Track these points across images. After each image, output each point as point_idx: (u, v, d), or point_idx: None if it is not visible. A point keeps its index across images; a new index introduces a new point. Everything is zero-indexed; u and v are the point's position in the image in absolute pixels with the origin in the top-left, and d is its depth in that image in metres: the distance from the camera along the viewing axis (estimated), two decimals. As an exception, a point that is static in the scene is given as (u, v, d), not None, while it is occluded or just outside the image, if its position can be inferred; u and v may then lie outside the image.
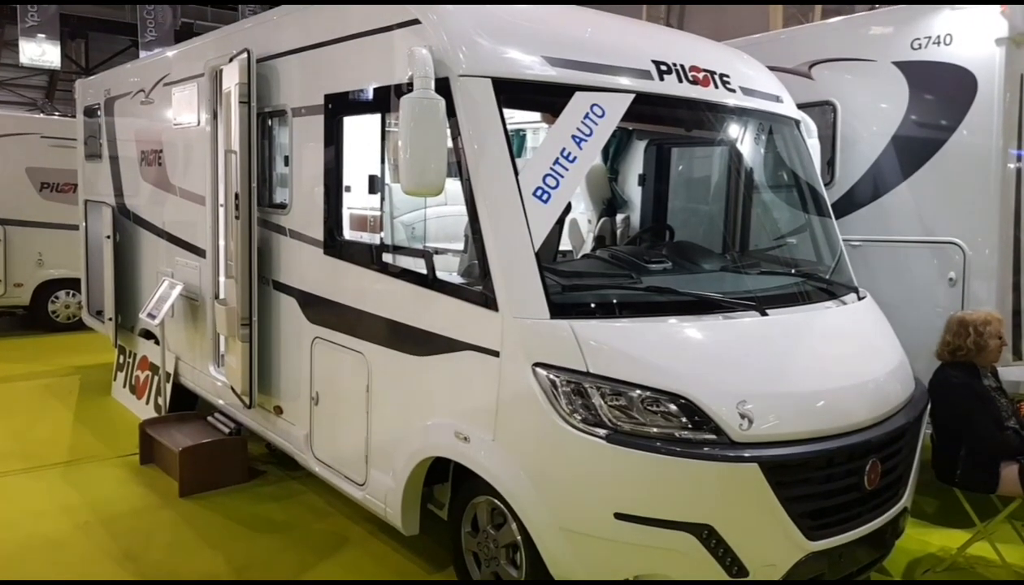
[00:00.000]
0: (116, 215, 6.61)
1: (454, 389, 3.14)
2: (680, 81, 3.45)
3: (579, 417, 2.70)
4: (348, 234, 3.78)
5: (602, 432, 2.66)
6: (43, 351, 8.51)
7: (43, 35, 19.32)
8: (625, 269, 3.44)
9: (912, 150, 4.54)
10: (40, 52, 19.45)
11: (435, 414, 3.24)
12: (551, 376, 2.74)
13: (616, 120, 3.17)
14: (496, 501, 3.10)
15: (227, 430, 4.96)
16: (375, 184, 3.52)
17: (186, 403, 5.78)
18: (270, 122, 4.50)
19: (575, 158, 3.01)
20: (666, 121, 3.86)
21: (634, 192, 5.39)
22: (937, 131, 4.40)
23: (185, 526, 4.23)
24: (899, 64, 4.58)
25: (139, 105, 6.22)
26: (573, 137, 3.03)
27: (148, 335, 6.20)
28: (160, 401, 5.73)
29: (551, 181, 2.95)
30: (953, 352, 3.73)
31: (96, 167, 7.19)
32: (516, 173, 2.94)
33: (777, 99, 4.04)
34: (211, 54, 4.95)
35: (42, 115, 10.92)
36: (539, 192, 2.93)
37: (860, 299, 3.72)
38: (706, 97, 3.54)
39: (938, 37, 4.36)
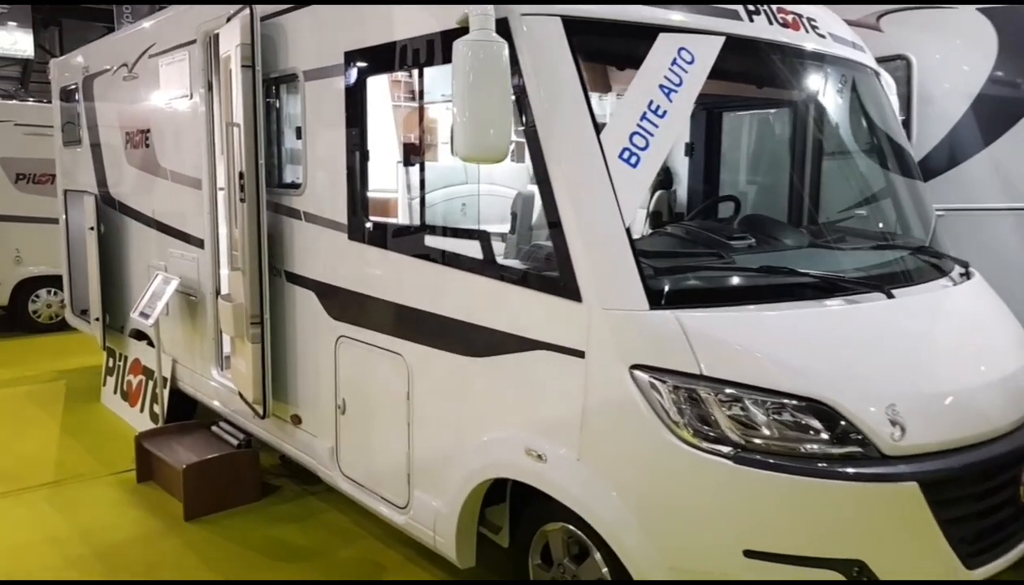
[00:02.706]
0: (99, 205, 5.98)
1: (523, 397, 2.61)
2: (770, 23, 2.91)
3: (693, 431, 2.18)
4: (379, 216, 3.23)
5: (725, 449, 2.14)
6: (24, 354, 7.87)
7: (14, 23, 18.50)
8: (710, 248, 2.92)
9: (1002, 107, 4.03)
10: (12, 41, 18.68)
11: (497, 427, 2.71)
12: (655, 381, 2.22)
13: (707, 68, 2.62)
14: (573, 528, 2.59)
15: (235, 442, 4.40)
16: (413, 154, 2.96)
17: (183, 408, 5.23)
18: (276, 90, 3.91)
19: (665, 112, 2.47)
20: (749, 73, 3.32)
21: (680, 163, 4.86)
22: (1034, 85, 3.90)
23: (194, 556, 3.69)
24: (985, 10, 4.07)
25: (121, 82, 5.59)
26: (661, 87, 2.49)
27: (140, 336, 5.62)
28: (157, 409, 5.16)
29: (639, 141, 2.41)
30: None
31: (76, 154, 6.56)
32: (598, 132, 2.40)
33: (861, 48, 3.53)
34: (204, 16, 4.34)
35: (15, 102, 10.16)
36: (626, 154, 2.39)
37: (966, 275, 3.23)
38: (798, 42, 3.01)
39: (1038, -24, 3.85)
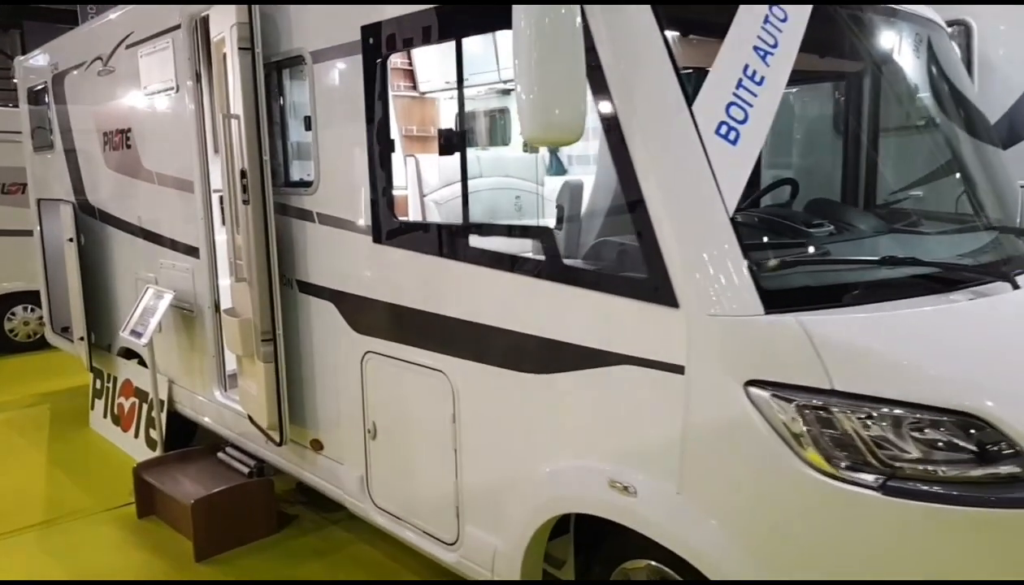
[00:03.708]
0: (78, 214, 5.50)
1: (602, 420, 2.24)
2: (858, -24, 2.56)
3: (826, 457, 1.83)
4: (412, 214, 2.83)
5: (870, 478, 1.79)
6: (2, 377, 7.35)
7: (-29, 27, 17.61)
8: (793, 237, 2.56)
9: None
10: (-30, 46, 17.77)
11: (568, 454, 2.34)
12: (778, 399, 1.86)
13: (801, 28, 2.26)
14: (661, 566, 2.23)
15: (246, 469, 3.99)
16: (453, 141, 2.57)
17: (182, 431, 4.79)
18: (278, 76, 3.48)
19: (763, 79, 2.11)
20: (818, 38, 2.95)
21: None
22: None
23: (209, 604, 3.30)
24: (1051, -33, 3.75)
25: (96, 77, 5.10)
26: (756, 49, 2.13)
27: (130, 354, 5.16)
28: (154, 435, 4.72)
29: (737, 112, 2.04)
30: None
31: (48, 160, 6.05)
32: (689, 104, 2.02)
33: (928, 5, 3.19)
34: (189, -3, 3.89)
35: (-23, 108, 9.53)
36: (723, 129, 2.02)
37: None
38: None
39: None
